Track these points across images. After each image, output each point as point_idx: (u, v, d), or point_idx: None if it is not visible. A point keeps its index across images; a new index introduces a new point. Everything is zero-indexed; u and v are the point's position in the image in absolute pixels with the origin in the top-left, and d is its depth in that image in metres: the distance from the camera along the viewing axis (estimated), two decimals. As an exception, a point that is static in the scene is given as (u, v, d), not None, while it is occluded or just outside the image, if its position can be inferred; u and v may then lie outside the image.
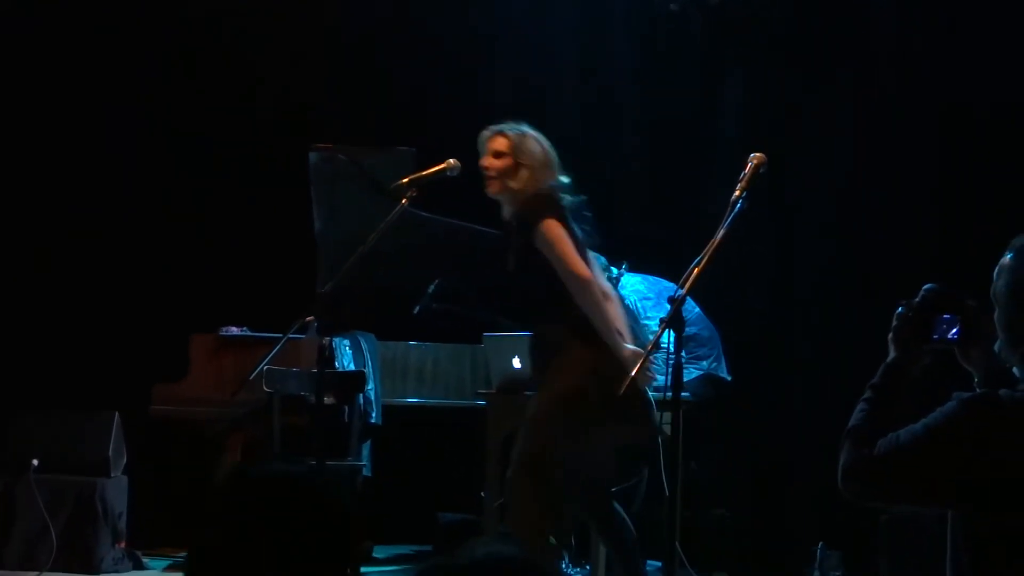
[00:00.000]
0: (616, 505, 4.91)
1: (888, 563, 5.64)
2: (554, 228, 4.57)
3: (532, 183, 4.68)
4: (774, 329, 6.71)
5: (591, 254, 5.68)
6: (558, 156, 4.77)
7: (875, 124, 6.50)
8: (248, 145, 7.47)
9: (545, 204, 4.63)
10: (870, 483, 2.60)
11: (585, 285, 4.55)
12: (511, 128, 4.77)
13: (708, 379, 6.34)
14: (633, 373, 4.43)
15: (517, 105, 5.97)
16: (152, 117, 7.51)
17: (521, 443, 4.68)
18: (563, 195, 4.72)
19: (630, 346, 4.61)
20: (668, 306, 5.98)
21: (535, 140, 4.75)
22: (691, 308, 6.23)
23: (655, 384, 5.79)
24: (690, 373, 6.27)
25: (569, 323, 4.59)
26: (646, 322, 6.16)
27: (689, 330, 6.18)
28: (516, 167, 4.71)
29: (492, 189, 4.76)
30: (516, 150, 4.71)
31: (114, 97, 7.47)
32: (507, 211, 4.73)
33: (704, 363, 6.37)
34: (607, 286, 4.85)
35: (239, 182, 7.50)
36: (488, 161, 4.75)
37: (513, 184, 4.71)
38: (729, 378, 6.37)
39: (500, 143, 4.74)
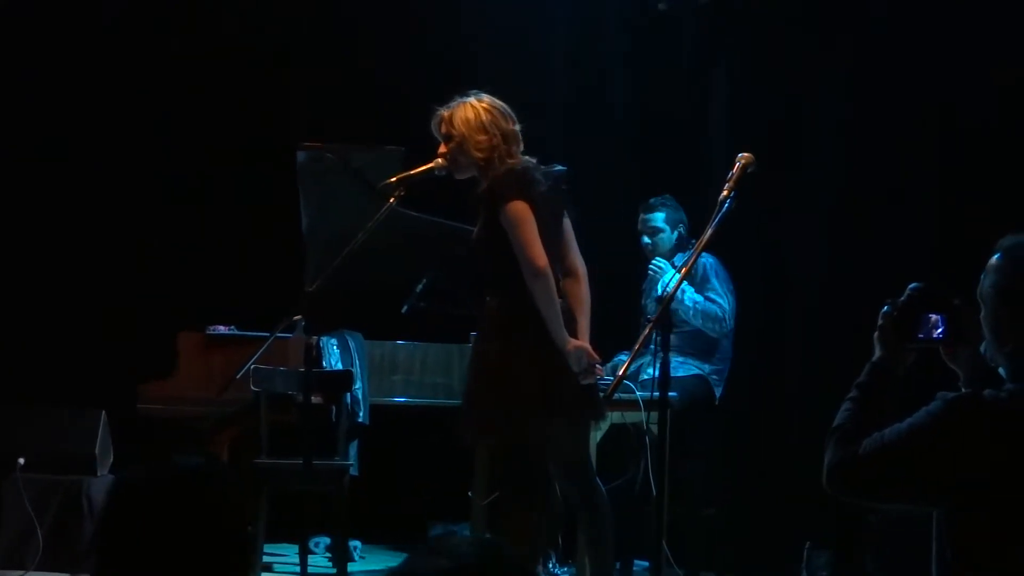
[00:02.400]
0: (601, 493, 4.88)
1: (875, 563, 5.64)
2: (520, 211, 4.52)
3: (476, 152, 4.61)
4: (764, 328, 6.71)
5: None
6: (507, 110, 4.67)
7: (868, 122, 6.49)
8: (235, 143, 7.46)
9: (516, 184, 4.56)
10: (855, 481, 2.60)
11: (539, 274, 4.50)
12: (448, 105, 4.69)
13: (702, 381, 6.35)
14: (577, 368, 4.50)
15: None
16: (140, 114, 7.50)
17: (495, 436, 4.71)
18: (538, 172, 4.66)
19: (576, 340, 4.59)
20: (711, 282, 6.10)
21: (465, 106, 4.66)
22: (732, 316, 6.28)
23: (642, 378, 5.82)
24: (689, 369, 6.28)
25: (518, 303, 4.56)
26: (713, 295, 6.25)
27: (724, 327, 6.22)
28: (459, 143, 4.66)
29: (457, 174, 4.74)
30: (451, 127, 4.66)
31: (104, 95, 7.46)
32: (481, 185, 4.67)
33: (707, 367, 6.38)
34: (580, 265, 4.81)
35: (227, 180, 7.50)
36: (440, 148, 4.72)
37: (464, 160, 4.67)
38: (717, 401, 6.37)
39: (440, 127, 4.70)
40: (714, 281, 6.30)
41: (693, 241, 6.43)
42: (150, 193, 7.50)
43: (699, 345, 6.34)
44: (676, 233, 6.44)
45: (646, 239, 6.46)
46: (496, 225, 4.57)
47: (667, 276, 6.29)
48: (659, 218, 6.44)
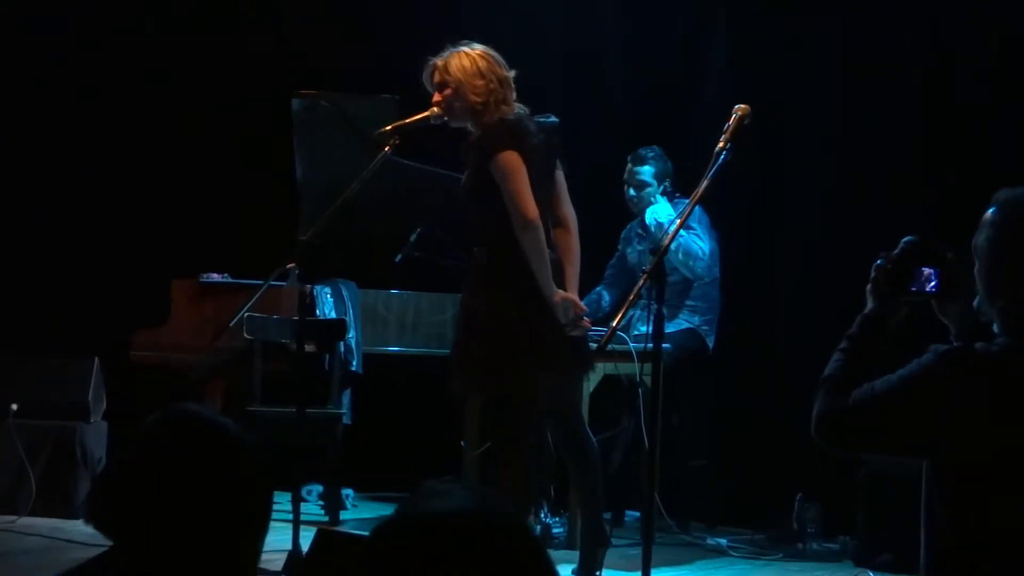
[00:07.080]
0: (592, 444, 4.89)
1: (866, 516, 5.67)
2: (512, 161, 4.50)
3: (474, 97, 4.60)
4: (756, 281, 6.71)
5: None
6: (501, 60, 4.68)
7: (861, 74, 6.47)
8: (230, 91, 7.43)
9: (508, 134, 4.54)
10: (844, 432, 2.61)
11: (529, 225, 4.48)
12: (442, 55, 4.68)
13: (693, 334, 6.35)
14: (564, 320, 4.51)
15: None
16: (129, 64, 7.46)
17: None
18: (531, 123, 4.64)
19: (563, 292, 4.60)
20: (690, 237, 6.08)
21: (460, 55, 4.65)
22: (714, 264, 6.27)
23: (634, 333, 5.83)
24: (679, 324, 6.28)
25: (506, 255, 4.55)
26: (693, 237, 6.20)
27: (703, 267, 6.21)
28: (454, 91, 4.64)
29: (452, 122, 4.72)
30: (447, 75, 4.64)
31: (91, 45, 7.41)
32: (473, 134, 4.66)
33: (697, 318, 6.38)
34: (571, 217, 4.81)
35: (220, 128, 7.47)
36: (435, 96, 4.70)
37: (460, 106, 4.64)
38: (711, 351, 6.38)
39: (435, 75, 4.69)
40: (696, 227, 6.27)
41: (677, 195, 6.41)
42: (143, 141, 7.47)
43: (686, 298, 6.33)
44: (662, 187, 6.39)
45: (632, 192, 6.42)
46: (485, 175, 4.55)
47: (657, 206, 6.27)
48: (647, 172, 6.39)
